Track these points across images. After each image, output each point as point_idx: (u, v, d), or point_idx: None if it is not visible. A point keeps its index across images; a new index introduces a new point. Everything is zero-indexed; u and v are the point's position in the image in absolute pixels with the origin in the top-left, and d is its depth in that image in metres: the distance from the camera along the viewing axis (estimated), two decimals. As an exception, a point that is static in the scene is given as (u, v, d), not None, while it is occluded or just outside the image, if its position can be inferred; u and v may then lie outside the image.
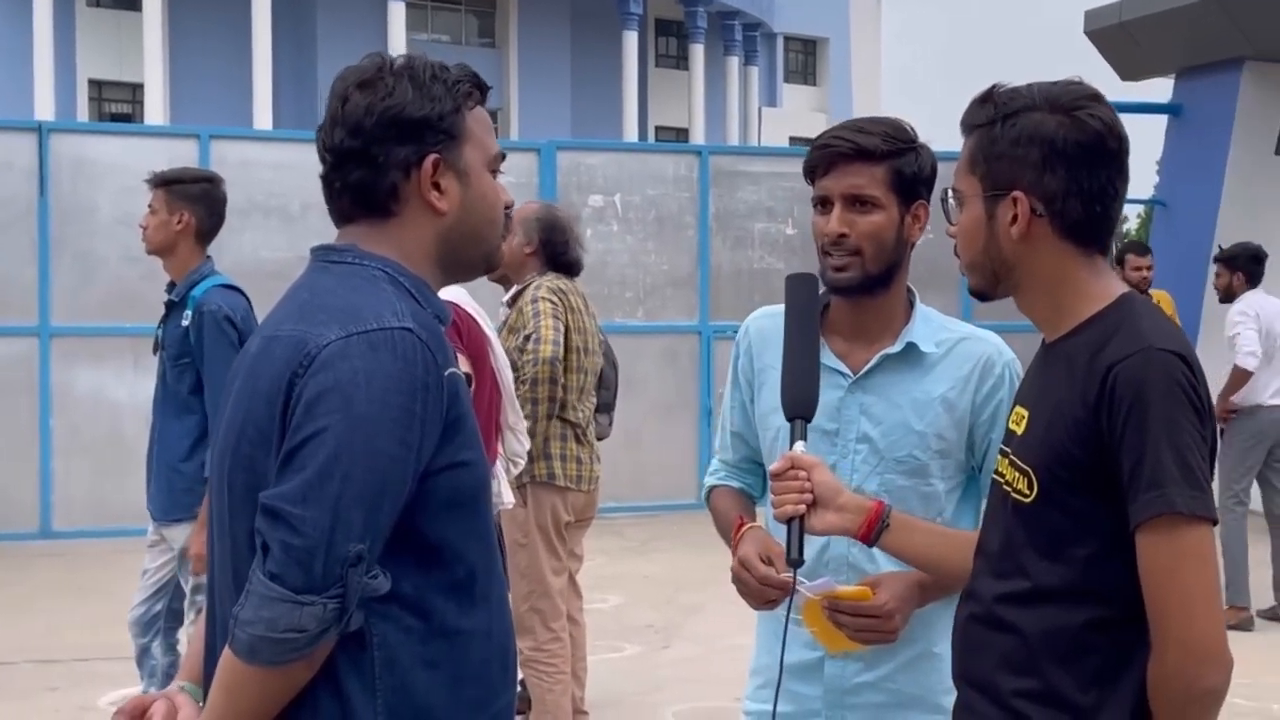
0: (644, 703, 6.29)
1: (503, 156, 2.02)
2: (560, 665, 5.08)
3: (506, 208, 2.03)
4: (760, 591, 2.35)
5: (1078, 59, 11.41)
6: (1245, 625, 7.47)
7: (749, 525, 2.47)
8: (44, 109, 29.86)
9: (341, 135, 1.91)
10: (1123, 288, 2.01)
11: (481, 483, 1.93)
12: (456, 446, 1.85)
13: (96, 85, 34.23)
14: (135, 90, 33.32)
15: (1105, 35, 12.92)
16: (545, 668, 5.03)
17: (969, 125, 2.04)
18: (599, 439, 5.59)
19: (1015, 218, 1.97)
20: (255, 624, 1.74)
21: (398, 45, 32.72)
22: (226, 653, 1.80)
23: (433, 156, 1.91)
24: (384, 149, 1.90)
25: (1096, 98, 1.99)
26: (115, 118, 32.99)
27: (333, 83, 1.96)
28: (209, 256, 4.83)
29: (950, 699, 2.42)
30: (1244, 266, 7.99)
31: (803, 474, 2.21)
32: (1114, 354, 1.87)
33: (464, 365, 4.12)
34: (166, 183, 4.77)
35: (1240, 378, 7.72)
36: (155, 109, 31.71)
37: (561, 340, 4.95)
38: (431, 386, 1.81)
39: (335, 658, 1.81)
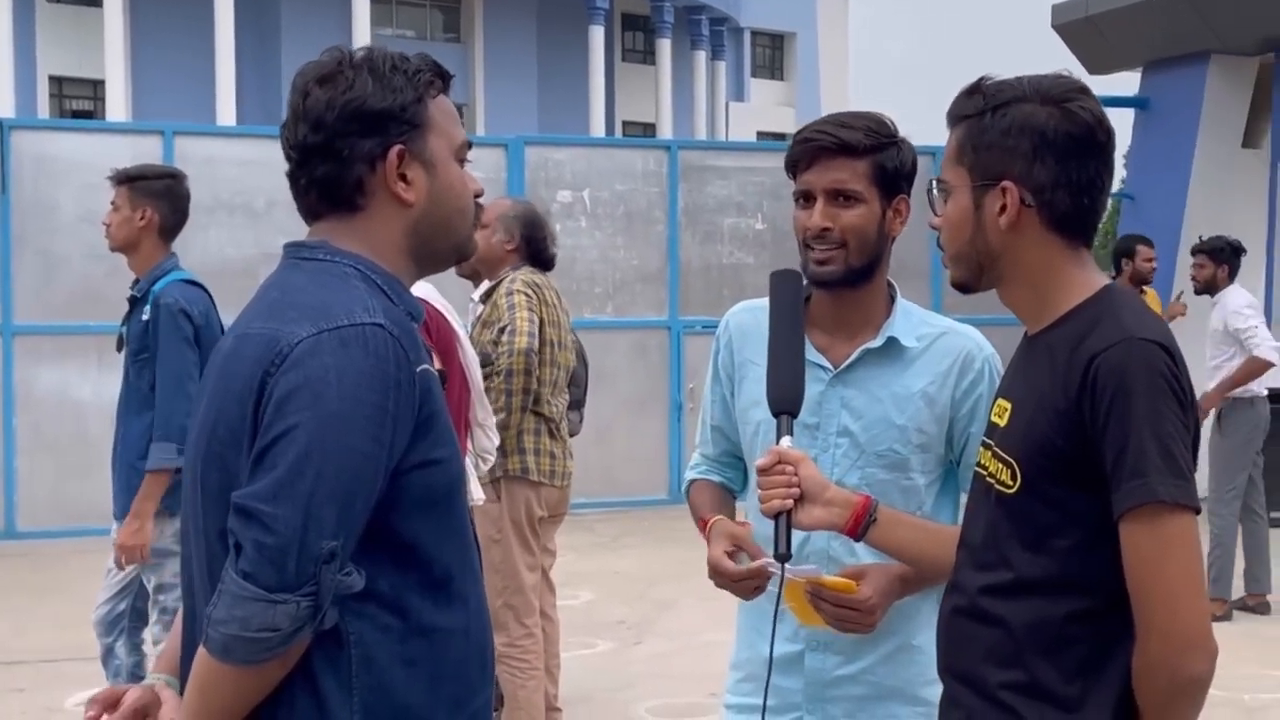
0: (616, 699, 6.27)
1: (469, 145, 2.01)
2: (534, 661, 5.06)
3: (476, 196, 2.03)
4: (740, 588, 2.36)
5: (1045, 53, 11.46)
6: (1226, 617, 7.51)
7: (713, 521, 2.47)
8: (4, 106, 29.59)
9: (304, 131, 1.90)
10: (1104, 280, 2.02)
11: (455, 480, 1.92)
12: (429, 444, 1.84)
13: (57, 82, 33.95)
14: (96, 86, 33.03)
15: (1072, 29, 12.97)
16: (518, 664, 5.01)
17: (956, 116, 2.04)
18: (570, 435, 5.57)
19: (1004, 208, 1.97)
20: (229, 623, 1.74)
21: (362, 40, 32.55)
22: (201, 651, 1.80)
23: (397, 147, 1.90)
24: (347, 142, 1.89)
25: (1085, 90, 1.99)
26: (76, 114, 32.69)
27: (293, 79, 1.95)
28: (173, 253, 4.81)
29: (931, 691, 2.44)
30: (1229, 259, 8.00)
31: (790, 469, 2.21)
32: (1096, 344, 1.88)
33: (436, 362, 4.08)
34: (129, 179, 4.76)
35: (1259, 369, 7.68)
36: (117, 105, 31.46)
37: (536, 333, 4.93)
38: (404, 383, 1.80)
39: (311, 656, 1.80)
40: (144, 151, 9.65)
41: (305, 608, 1.73)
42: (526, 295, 4.95)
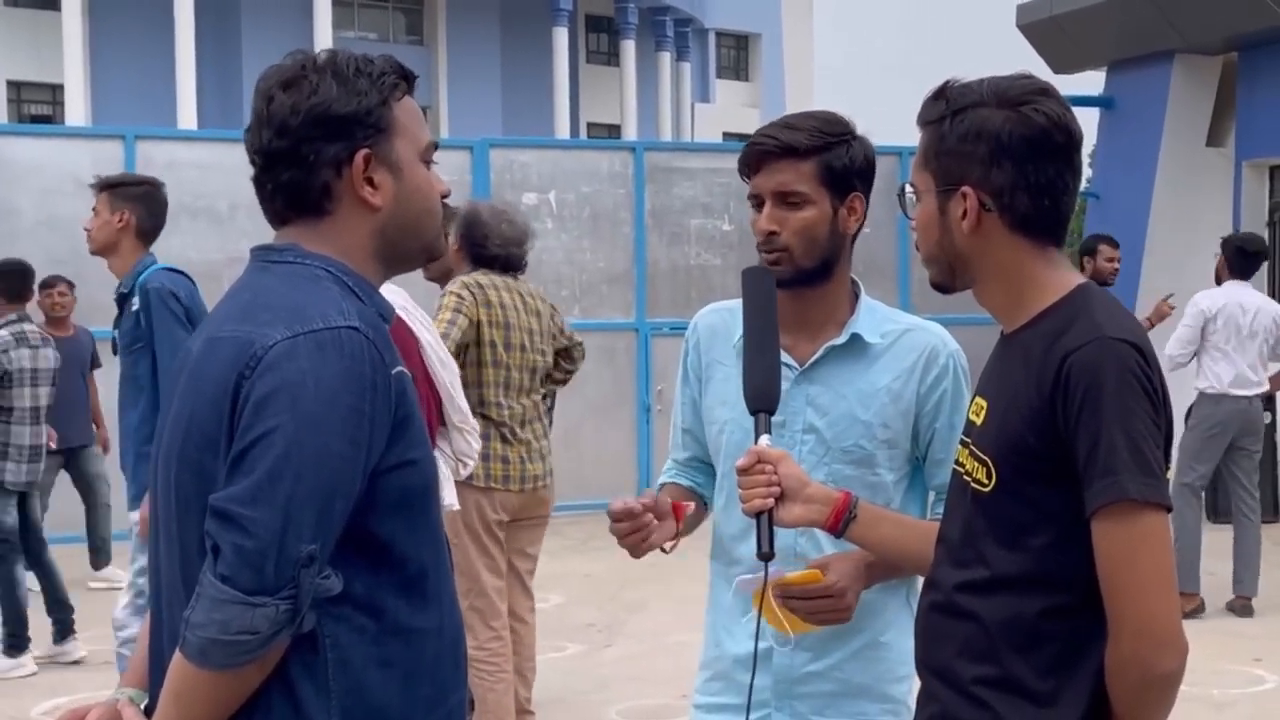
0: (587, 701, 6.26)
1: (435, 146, 2.01)
2: (501, 664, 5.04)
3: (443, 196, 2.03)
4: (620, 528, 2.34)
5: (1010, 52, 11.48)
6: (1196, 612, 7.53)
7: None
8: (-36, 111, 29.33)
9: (269, 136, 1.89)
10: (1079, 279, 2.04)
11: (429, 481, 1.93)
12: (405, 445, 1.85)
13: (15, 86, 33.63)
14: (55, 91, 32.73)
15: (1037, 28, 13.03)
16: (487, 666, 4.99)
17: (922, 121, 2.06)
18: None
19: (965, 213, 1.99)
20: (207, 626, 1.73)
21: (324, 43, 32.41)
22: (177, 657, 1.78)
23: (363, 152, 1.90)
24: (312, 148, 1.88)
25: (1045, 91, 2.00)
26: (35, 119, 32.36)
27: (257, 83, 1.94)
28: (152, 254, 4.97)
29: (899, 688, 2.49)
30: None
31: (769, 467, 2.21)
32: (1069, 343, 1.90)
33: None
34: (110, 185, 4.96)
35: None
36: (76, 110, 31.18)
37: (456, 334, 4.88)
38: (379, 385, 1.81)
39: (288, 660, 1.80)
40: (105, 155, 9.57)
41: (284, 611, 1.73)
42: (459, 296, 4.94)
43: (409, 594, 1.88)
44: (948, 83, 2.06)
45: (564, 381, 5.75)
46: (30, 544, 7.09)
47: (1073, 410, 1.86)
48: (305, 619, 1.76)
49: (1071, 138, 1.99)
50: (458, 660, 1.98)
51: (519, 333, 5.15)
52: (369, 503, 1.82)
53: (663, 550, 2.43)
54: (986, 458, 1.98)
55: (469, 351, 4.98)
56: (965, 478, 2.04)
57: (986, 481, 1.98)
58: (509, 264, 5.23)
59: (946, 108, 2.01)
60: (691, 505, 2.52)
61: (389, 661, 1.86)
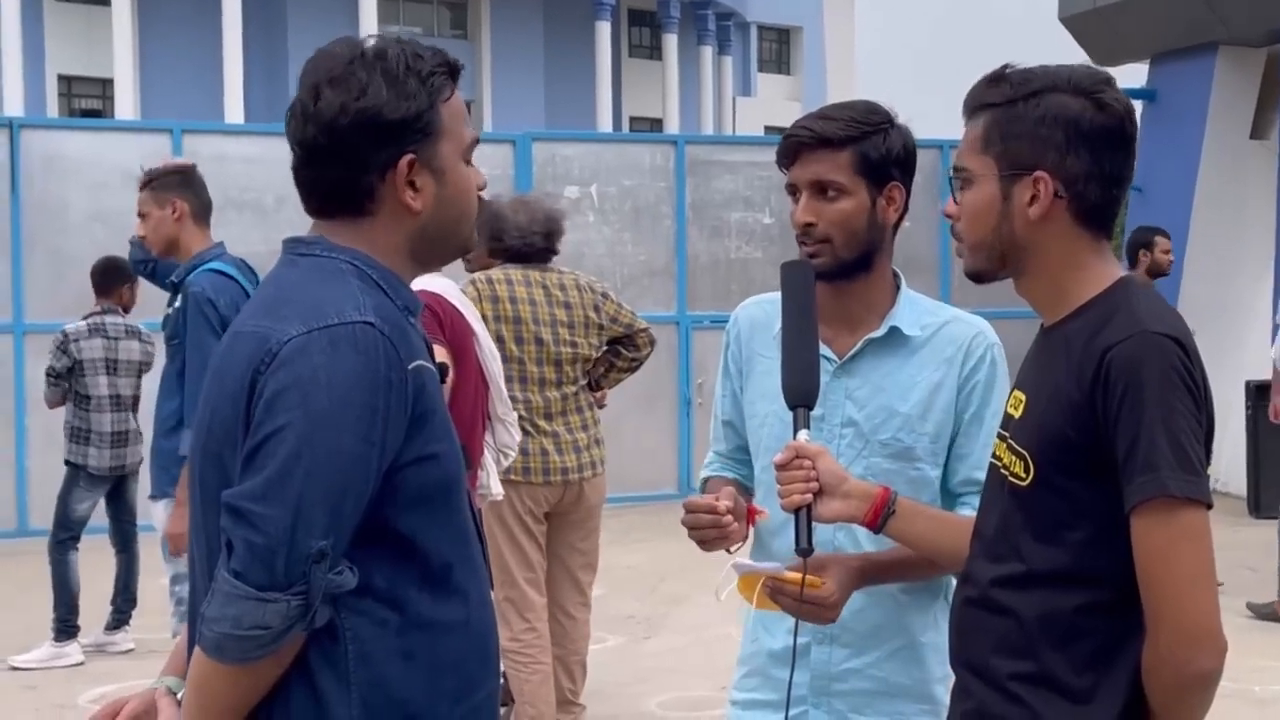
0: (628, 693, 6.29)
1: (477, 141, 1.99)
2: (536, 655, 5.07)
3: (480, 189, 2.01)
4: (697, 519, 2.34)
5: (1052, 45, 11.42)
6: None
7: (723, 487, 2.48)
8: (13, 105, 29.61)
9: (313, 132, 1.87)
10: (1120, 272, 2.02)
11: (452, 476, 1.92)
12: (424, 440, 1.84)
13: (66, 81, 33.96)
14: (105, 85, 33.05)
15: (1080, 21, 12.94)
16: (521, 657, 5.03)
17: (980, 104, 2.02)
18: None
19: (1033, 199, 1.96)
20: (221, 621, 1.75)
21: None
22: (196, 651, 1.81)
23: (408, 157, 1.87)
24: (359, 151, 1.86)
25: (1112, 82, 1.99)
26: (85, 113, 32.71)
27: (302, 70, 1.91)
28: (219, 243, 4.88)
29: (938, 688, 2.46)
30: None
31: (808, 463, 2.20)
32: (1110, 337, 1.88)
33: (442, 355, 4.08)
34: (149, 181, 4.86)
35: None
36: (125, 104, 31.48)
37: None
38: (394, 381, 1.80)
39: (308, 652, 1.81)
40: (153, 149, 9.67)
41: (296, 606, 1.74)
42: (475, 291, 4.98)
43: (433, 587, 1.87)
44: (1006, 67, 2.03)
45: (628, 369, 5.62)
46: (122, 528, 7.26)
47: (1113, 405, 1.85)
48: (319, 614, 1.77)
49: (1135, 129, 1.99)
50: (487, 654, 1.97)
51: (537, 325, 5.12)
52: (388, 497, 1.81)
53: (728, 551, 2.41)
54: (1025, 451, 1.96)
55: None
56: (1003, 472, 2.02)
57: (1024, 475, 1.96)
58: (530, 254, 5.17)
59: (1013, 91, 1.97)
60: (766, 513, 2.46)
61: (412, 654, 1.85)
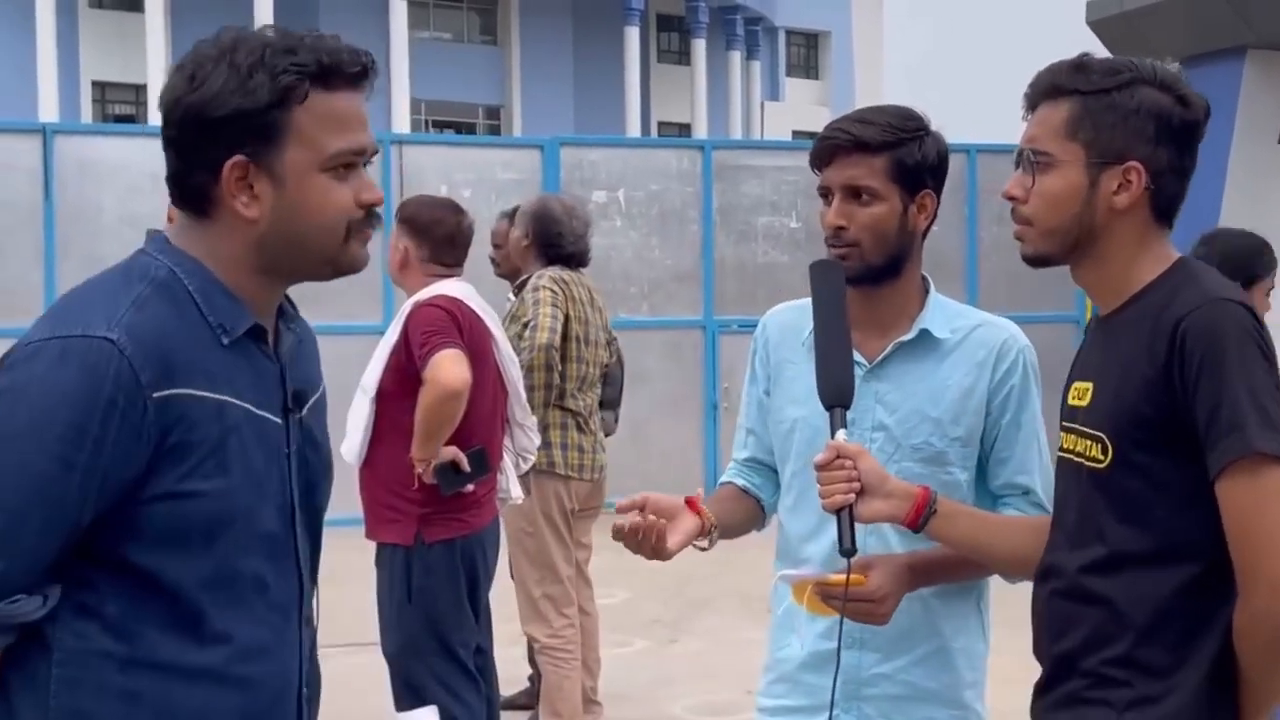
0: (654, 697, 6.30)
1: (356, 153, 1.80)
2: (575, 651, 5.13)
3: (370, 205, 1.82)
4: (629, 539, 2.31)
5: (1080, 49, 11.37)
6: None
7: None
8: (48, 111, 29.85)
9: (162, 121, 1.79)
10: (1176, 253, 2.04)
11: (222, 516, 1.74)
12: (180, 475, 1.70)
13: (100, 87, 34.23)
14: (138, 91, 33.29)
15: (1107, 25, 12.90)
16: (561, 654, 5.08)
17: (1063, 89, 2.01)
18: (606, 435, 5.62)
19: (1121, 187, 1.98)
20: None
21: (400, 43, 32.71)
22: None
23: (236, 159, 1.73)
24: (189, 145, 1.75)
25: (1185, 78, 2.02)
26: (119, 119, 32.98)
27: None
28: None
29: (968, 694, 2.45)
30: None
31: (849, 462, 2.17)
32: (1180, 309, 1.89)
33: (459, 360, 4.11)
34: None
35: None
36: (158, 110, 31.72)
37: (559, 328, 4.99)
38: (121, 404, 1.65)
39: (8, 669, 1.70)
40: (184, 156, 9.75)
41: None
42: (552, 291, 5.02)
43: (179, 630, 1.73)
44: (1085, 55, 2.04)
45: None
46: None
47: (1191, 374, 1.85)
48: None
49: (1205, 129, 2.02)
50: (254, 711, 1.80)
51: (590, 328, 5.24)
52: (129, 530, 1.69)
53: (698, 548, 2.40)
54: (1100, 434, 1.96)
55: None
56: (1076, 460, 2.02)
57: (1102, 458, 1.96)
58: (581, 260, 5.31)
59: (1103, 80, 1.98)
60: (701, 493, 2.43)
61: (136, 695, 1.72)
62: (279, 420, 1.85)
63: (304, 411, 1.91)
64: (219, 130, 1.73)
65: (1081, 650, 1.99)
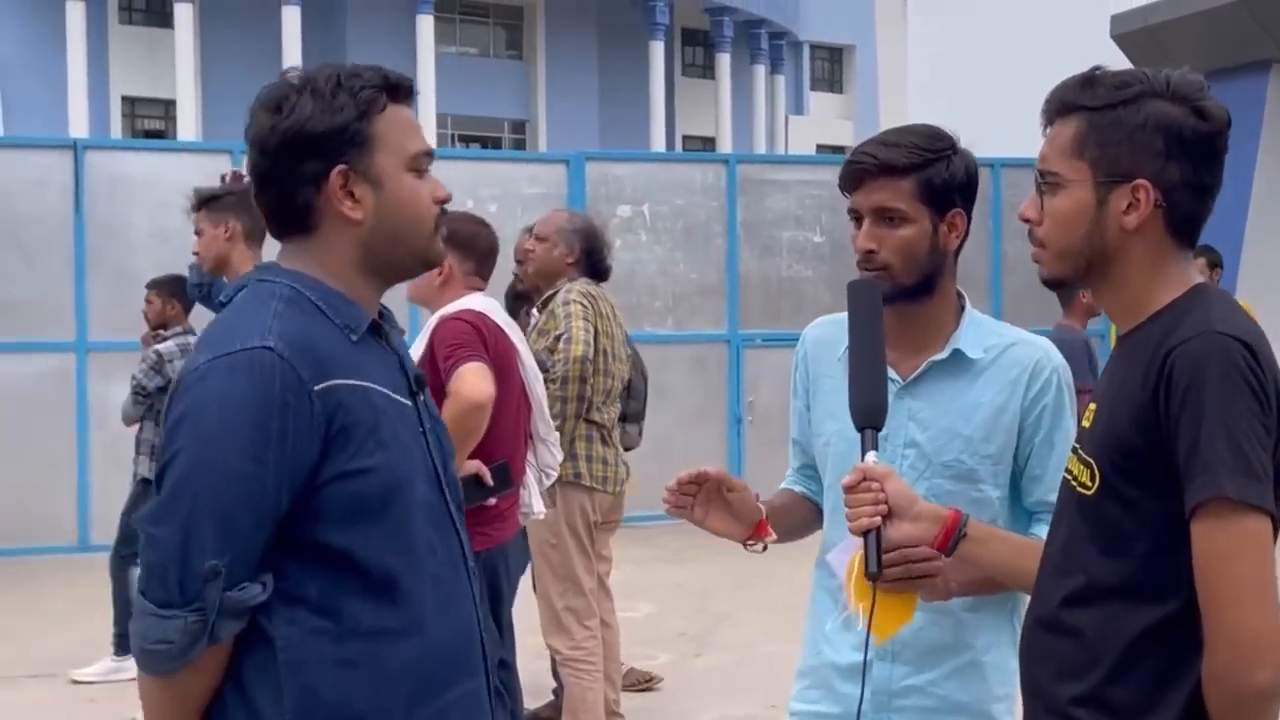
0: (678, 710, 6.31)
1: (428, 154, 2.05)
2: (597, 663, 5.15)
3: (442, 202, 2.06)
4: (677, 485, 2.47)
5: (1105, 63, 11.35)
6: None
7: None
8: (78, 127, 30.10)
9: (255, 157, 1.97)
10: (1198, 278, 1.95)
11: (393, 486, 1.94)
12: (349, 455, 1.89)
13: (130, 102, 34.48)
14: (168, 106, 33.55)
15: (1132, 39, 12.91)
16: (585, 666, 5.10)
17: (1071, 106, 1.95)
18: (627, 449, 5.65)
19: (1130, 206, 1.90)
20: (135, 636, 1.88)
21: (426, 57, 32.89)
22: None
23: (339, 168, 1.95)
24: (290, 167, 1.94)
25: (1207, 88, 1.91)
26: (148, 134, 33.22)
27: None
28: (267, 264, 4.93)
29: (998, 707, 2.46)
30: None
31: (876, 485, 2.14)
32: (1176, 338, 1.82)
33: (483, 372, 4.15)
34: (204, 202, 5.00)
35: None
36: (188, 125, 31.93)
37: (592, 341, 5.03)
38: (292, 401, 1.84)
39: (241, 662, 1.90)
40: (214, 170, 9.79)
41: (194, 623, 1.82)
42: (583, 305, 5.07)
43: (376, 598, 1.92)
44: (1096, 69, 1.96)
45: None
46: None
47: (1175, 405, 1.78)
48: (221, 627, 1.84)
49: (1229, 138, 1.92)
50: (456, 657, 2.02)
51: (615, 343, 5.30)
52: (314, 515, 1.88)
53: (746, 546, 2.46)
54: (1091, 459, 1.91)
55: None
56: (1072, 483, 1.96)
57: (1089, 484, 1.90)
58: (608, 274, 5.40)
59: (1110, 95, 1.91)
60: (772, 535, 2.48)
61: (353, 661, 1.90)
62: (409, 403, 2.04)
63: (425, 395, 2.12)
64: (318, 145, 1.93)
65: (1052, 683, 1.94)
